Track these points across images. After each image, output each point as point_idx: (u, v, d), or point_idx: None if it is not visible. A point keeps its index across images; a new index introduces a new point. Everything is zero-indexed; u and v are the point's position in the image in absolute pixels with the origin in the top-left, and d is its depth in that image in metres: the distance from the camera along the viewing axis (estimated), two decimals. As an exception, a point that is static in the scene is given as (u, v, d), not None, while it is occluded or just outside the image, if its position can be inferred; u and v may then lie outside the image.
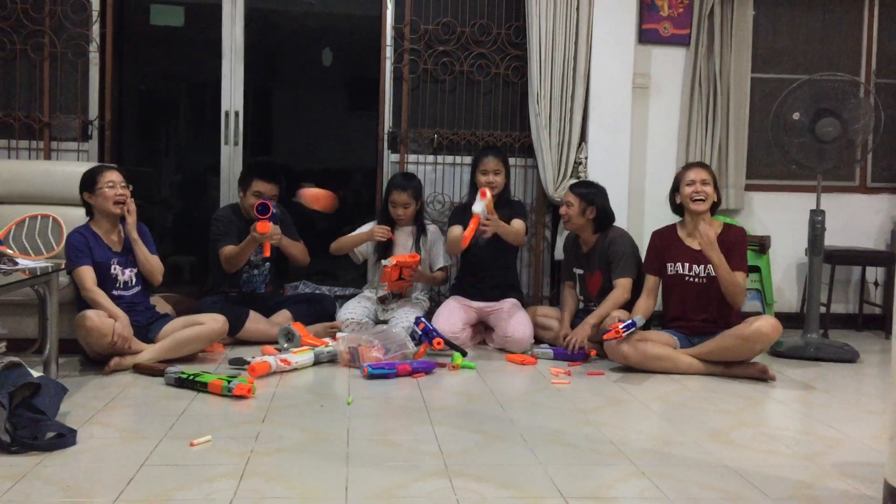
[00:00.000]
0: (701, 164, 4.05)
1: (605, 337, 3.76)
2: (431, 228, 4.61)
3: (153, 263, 3.81)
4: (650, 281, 4.01)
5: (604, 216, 4.25)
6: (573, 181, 4.75)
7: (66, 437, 2.56)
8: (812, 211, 4.46)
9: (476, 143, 4.97)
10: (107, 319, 3.51)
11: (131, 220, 3.73)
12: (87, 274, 3.58)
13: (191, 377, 3.28)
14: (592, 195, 4.23)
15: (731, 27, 5.00)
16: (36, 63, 4.68)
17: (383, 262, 4.18)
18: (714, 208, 3.96)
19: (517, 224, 4.27)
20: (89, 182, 3.70)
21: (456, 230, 4.29)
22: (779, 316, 4.80)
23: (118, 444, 2.61)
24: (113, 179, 3.68)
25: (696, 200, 3.87)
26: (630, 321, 3.76)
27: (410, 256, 4.31)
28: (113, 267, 3.68)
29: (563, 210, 4.26)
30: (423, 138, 4.99)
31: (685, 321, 3.92)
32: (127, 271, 3.73)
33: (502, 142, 4.97)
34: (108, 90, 4.75)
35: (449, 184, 5.01)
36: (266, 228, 3.99)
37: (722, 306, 3.84)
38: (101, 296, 3.57)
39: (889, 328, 5.11)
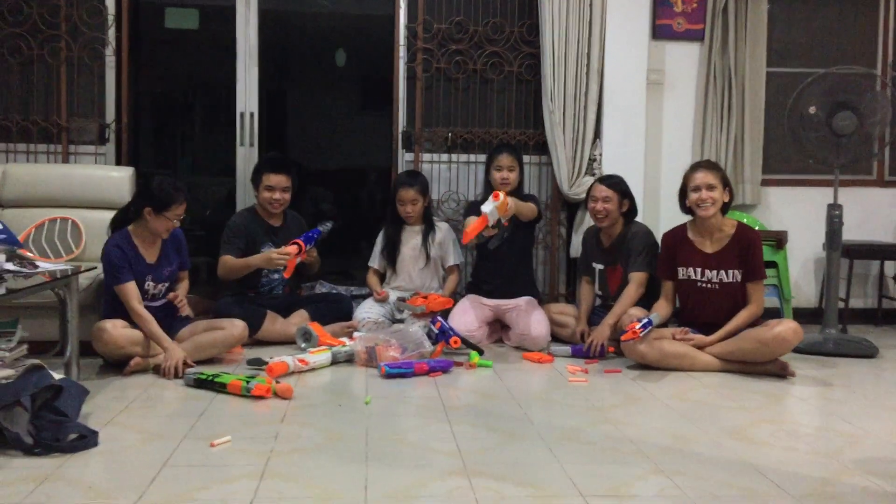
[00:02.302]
0: (707, 165, 3.91)
1: (622, 338, 3.74)
2: (442, 226, 4.61)
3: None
4: (666, 286, 3.96)
5: (635, 207, 4.26)
6: (587, 178, 4.75)
7: (87, 439, 2.59)
8: (829, 205, 4.43)
9: (490, 141, 4.96)
10: (123, 331, 3.53)
11: (182, 307, 3.81)
12: (132, 291, 3.55)
13: (210, 378, 3.30)
14: (626, 187, 4.22)
15: (746, 21, 4.96)
16: (53, 68, 4.72)
17: (416, 308, 4.14)
18: (727, 207, 3.87)
19: (529, 204, 4.25)
20: (160, 204, 3.58)
21: (472, 220, 4.26)
22: (797, 311, 4.80)
23: (139, 445, 2.63)
24: (179, 214, 3.64)
25: (703, 206, 3.80)
26: (647, 320, 3.74)
27: (445, 302, 4.26)
28: (146, 282, 3.67)
29: (599, 206, 4.14)
30: (438, 137, 4.99)
31: (701, 324, 3.88)
32: (159, 285, 3.74)
33: (516, 139, 4.97)
34: (125, 93, 4.79)
35: (463, 182, 5.01)
36: (291, 264, 4.05)
37: (738, 310, 3.78)
38: (147, 319, 3.55)
39: (909, 322, 5.08)
